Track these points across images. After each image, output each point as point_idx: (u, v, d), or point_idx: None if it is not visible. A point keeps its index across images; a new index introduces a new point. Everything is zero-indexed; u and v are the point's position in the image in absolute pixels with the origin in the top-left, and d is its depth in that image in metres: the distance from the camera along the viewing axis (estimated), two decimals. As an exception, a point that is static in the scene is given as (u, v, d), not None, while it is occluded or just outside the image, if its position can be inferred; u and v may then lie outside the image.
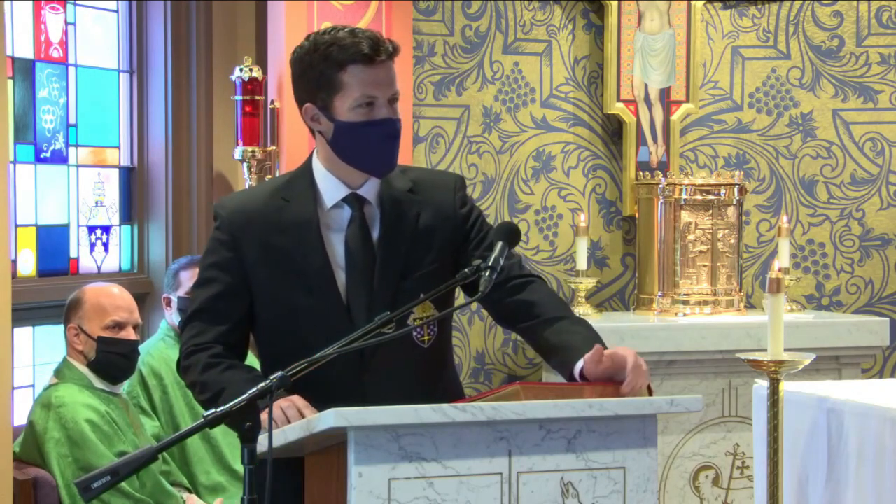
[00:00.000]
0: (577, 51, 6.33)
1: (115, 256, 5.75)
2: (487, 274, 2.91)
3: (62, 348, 4.74)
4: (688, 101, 6.34)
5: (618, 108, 6.29)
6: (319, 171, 3.17)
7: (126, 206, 5.79)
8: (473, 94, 6.14)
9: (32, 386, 5.27)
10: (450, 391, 3.20)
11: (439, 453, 2.69)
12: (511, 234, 3.02)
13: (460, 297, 3.25)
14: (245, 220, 3.14)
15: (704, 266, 6.01)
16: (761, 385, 4.17)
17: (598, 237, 6.34)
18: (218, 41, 5.83)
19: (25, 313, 5.14)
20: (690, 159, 6.45)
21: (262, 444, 2.58)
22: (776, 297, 4.00)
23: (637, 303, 6.20)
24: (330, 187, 3.15)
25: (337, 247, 3.13)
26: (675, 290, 6.00)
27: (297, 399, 2.92)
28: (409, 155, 5.71)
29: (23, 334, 5.22)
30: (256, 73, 5.55)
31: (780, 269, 4.15)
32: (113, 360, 4.65)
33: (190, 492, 4.83)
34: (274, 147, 5.60)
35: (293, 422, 2.84)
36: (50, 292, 5.27)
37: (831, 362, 5.86)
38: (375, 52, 3.05)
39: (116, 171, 5.76)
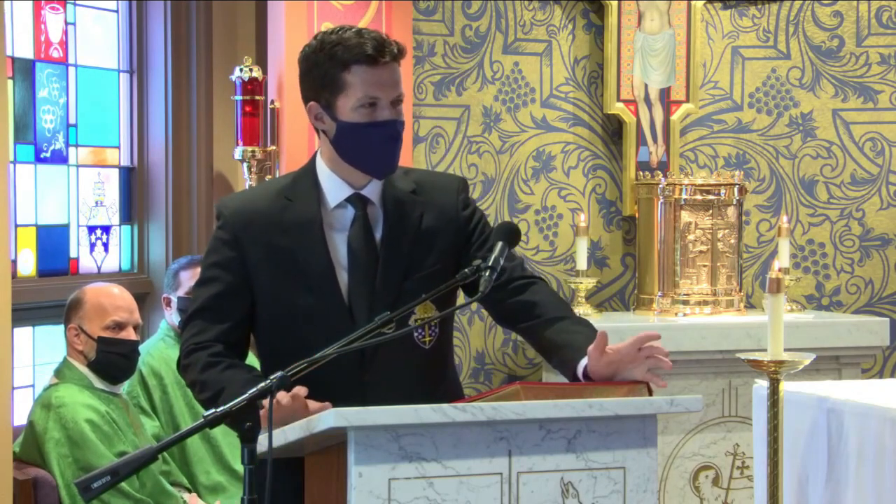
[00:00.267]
0: (577, 51, 6.34)
1: (115, 256, 5.75)
2: (487, 274, 2.91)
3: (62, 348, 4.74)
4: (688, 101, 6.34)
5: (618, 108, 6.29)
6: (323, 170, 3.17)
7: (126, 206, 5.79)
8: (473, 94, 6.14)
9: (32, 386, 5.27)
10: (450, 392, 3.20)
11: (439, 453, 2.69)
12: (511, 235, 3.02)
13: (461, 298, 3.25)
14: (248, 219, 3.15)
15: (704, 266, 6.01)
16: (761, 385, 4.17)
17: (598, 237, 6.35)
18: (218, 41, 5.83)
19: (25, 313, 5.14)
20: (690, 159, 6.45)
21: (262, 444, 2.58)
22: (776, 297, 4.00)
23: (637, 303, 6.20)
24: (333, 187, 3.15)
25: (340, 247, 3.13)
26: (675, 290, 6.00)
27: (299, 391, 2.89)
28: (409, 155, 5.71)
29: (23, 334, 5.22)
30: (256, 73, 5.55)
31: (780, 269, 4.14)
32: (113, 361, 4.65)
33: (190, 492, 4.83)
34: (274, 147, 5.60)
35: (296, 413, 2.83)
36: (50, 292, 5.26)
37: (831, 362, 5.86)
38: (380, 52, 3.05)
39: (116, 171, 5.76)
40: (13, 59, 5.18)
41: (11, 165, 5.00)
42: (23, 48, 5.29)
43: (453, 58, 6.08)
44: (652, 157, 6.30)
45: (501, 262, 2.94)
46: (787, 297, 5.97)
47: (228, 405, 2.60)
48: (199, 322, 3.15)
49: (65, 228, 5.51)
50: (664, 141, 6.31)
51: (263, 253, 3.12)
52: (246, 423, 2.58)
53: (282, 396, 2.82)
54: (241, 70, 5.54)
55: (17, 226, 5.21)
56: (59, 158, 5.48)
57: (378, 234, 3.14)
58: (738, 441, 5.82)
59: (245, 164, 5.56)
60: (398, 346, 3.03)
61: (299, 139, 5.45)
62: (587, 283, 6.06)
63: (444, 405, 2.70)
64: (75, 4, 5.55)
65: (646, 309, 6.08)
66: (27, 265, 5.32)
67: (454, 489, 2.70)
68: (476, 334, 6.10)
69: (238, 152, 5.56)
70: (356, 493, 2.64)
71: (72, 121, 5.53)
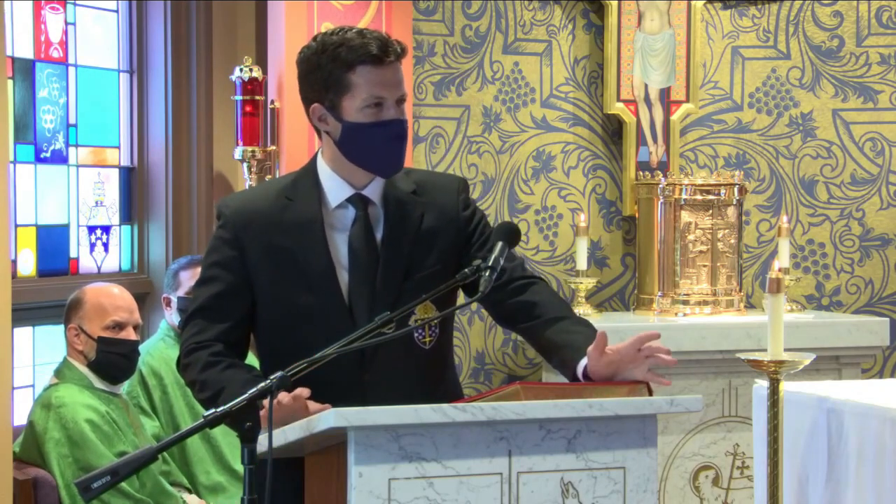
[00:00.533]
0: (577, 51, 6.33)
1: (115, 256, 5.75)
2: (487, 274, 2.91)
3: (62, 348, 4.74)
4: (688, 101, 6.34)
5: (618, 108, 6.29)
6: (324, 171, 3.17)
7: (126, 206, 5.79)
8: (473, 94, 6.14)
9: (32, 386, 5.27)
10: (450, 393, 3.20)
11: (439, 453, 2.69)
12: (511, 234, 3.02)
13: (461, 298, 3.25)
14: (248, 218, 3.15)
15: (704, 266, 6.01)
16: (761, 385, 4.17)
17: (598, 237, 6.34)
18: (218, 41, 5.83)
19: (25, 313, 5.14)
20: (690, 159, 6.45)
21: (262, 444, 2.58)
22: (776, 297, 4.00)
23: (637, 303, 6.20)
24: (334, 187, 3.15)
25: (340, 247, 3.13)
26: (675, 290, 6.00)
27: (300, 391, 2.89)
28: (409, 155, 5.70)
29: (23, 334, 5.22)
30: (256, 73, 5.55)
31: (780, 269, 4.14)
32: (113, 361, 4.65)
33: (190, 492, 4.83)
34: (274, 147, 5.60)
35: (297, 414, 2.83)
36: (50, 292, 5.26)
37: (831, 362, 5.86)
38: (384, 52, 3.05)
39: (116, 171, 5.76)
40: (13, 59, 5.18)
41: (11, 165, 5.00)
42: (23, 48, 5.29)
43: (453, 58, 6.08)
44: (652, 157, 6.30)
45: (501, 262, 2.94)
46: (787, 297, 5.97)
47: (228, 405, 2.60)
48: (199, 321, 3.15)
49: (65, 228, 5.51)
50: (664, 141, 6.31)
51: (264, 253, 3.12)
52: (246, 423, 2.58)
53: (283, 396, 2.82)
54: (241, 70, 5.54)
55: (17, 226, 5.21)
56: (59, 158, 5.48)
57: (379, 235, 3.14)
58: (738, 441, 5.82)
59: (245, 164, 5.56)
60: (398, 347, 3.03)
61: (299, 139, 5.45)
62: (587, 283, 6.06)
63: (444, 405, 2.71)
64: (75, 4, 5.55)
65: (646, 309, 6.08)
66: (27, 265, 5.32)
67: (454, 489, 2.70)
68: (476, 334, 6.10)
69: (238, 152, 5.56)
70: (356, 493, 2.64)
71: (72, 121, 5.53)
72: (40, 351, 5.31)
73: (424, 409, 2.67)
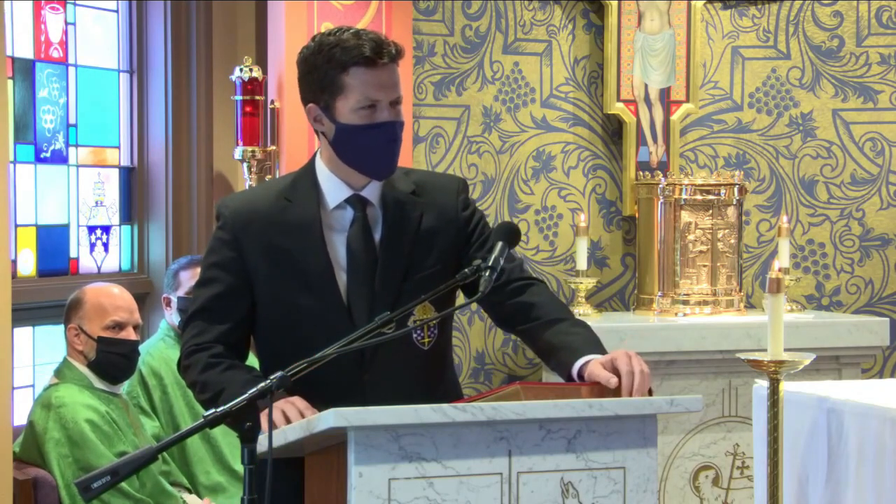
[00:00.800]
0: (577, 51, 6.33)
1: (115, 256, 5.75)
2: (487, 274, 2.91)
3: (62, 348, 4.74)
4: (688, 101, 6.34)
5: (618, 108, 6.28)
6: (322, 171, 3.17)
7: (126, 206, 5.79)
8: (473, 94, 6.14)
9: (32, 386, 5.27)
10: (450, 393, 3.20)
11: (439, 453, 2.69)
12: (511, 235, 3.02)
13: (460, 299, 3.25)
14: (248, 219, 3.14)
15: (704, 266, 6.01)
16: (761, 385, 4.17)
17: (598, 237, 6.34)
18: (218, 41, 5.83)
19: (25, 313, 5.14)
20: (690, 159, 6.45)
21: (262, 444, 2.58)
22: (776, 297, 4.00)
23: (637, 303, 6.20)
24: (333, 188, 3.15)
25: (339, 248, 3.13)
26: (675, 290, 6.00)
27: (297, 400, 2.92)
28: (409, 155, 5.71)
29: (23, 334, 5.23)
30: (256, 73, 5.55)
31: (780, 269, 4.14)
32: (113, 361, 4.65)
33: (190, 492, 4.83)
34: (274, 147, 5.60)
35: (293, 422, 2.84)
36: (50, 292, 5.27)
37: (831, 362, 5.86)
38: (378, 54, 3.04)
39: (116, 171, 5.76)
40: (13, 59, 5.18)
41: (11, 165, 5.00)
42: (23, 48, 5.29)
43: (453, 58, 6.08)
44: (652, 157, 6.30)
45: (501, 262, 2.94)
46: (787, 297, 5.97)
47: (228, 405, 2.60)
48: (199, 323, 3.15)
49: (65, 228, 5.51)
50: (664, 141, 6.31)
51: (263, 253, 3.12)
52: (246, 423, 2.58)
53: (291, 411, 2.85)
54: (241, 70, 5.54)
55: (17, 226, 5.21)
56: (59, 158, 5.48)
57: (377, 235, 3.14)
58: (738, 441, 5.82)
59: (245, 164, 5.57)
60: (398, 347, 3.03)
61: (299, 139, 5.45)
62: (587, 284, 6.06)
63: (444, 405, 2.70)
64: (75, 4, 5.55)
65: (646, 309, 6.08)
66: (27, 265, 5.32)
67: (454, 489, 2.70)
68: (476, 334, 6.10)
69: (238, 152, 5.56)
70: (356, 493, 2.64)
71: (72, 121, 5.53)
72: (40, 351, 5.32)
73: (424, 409, 2.67)
